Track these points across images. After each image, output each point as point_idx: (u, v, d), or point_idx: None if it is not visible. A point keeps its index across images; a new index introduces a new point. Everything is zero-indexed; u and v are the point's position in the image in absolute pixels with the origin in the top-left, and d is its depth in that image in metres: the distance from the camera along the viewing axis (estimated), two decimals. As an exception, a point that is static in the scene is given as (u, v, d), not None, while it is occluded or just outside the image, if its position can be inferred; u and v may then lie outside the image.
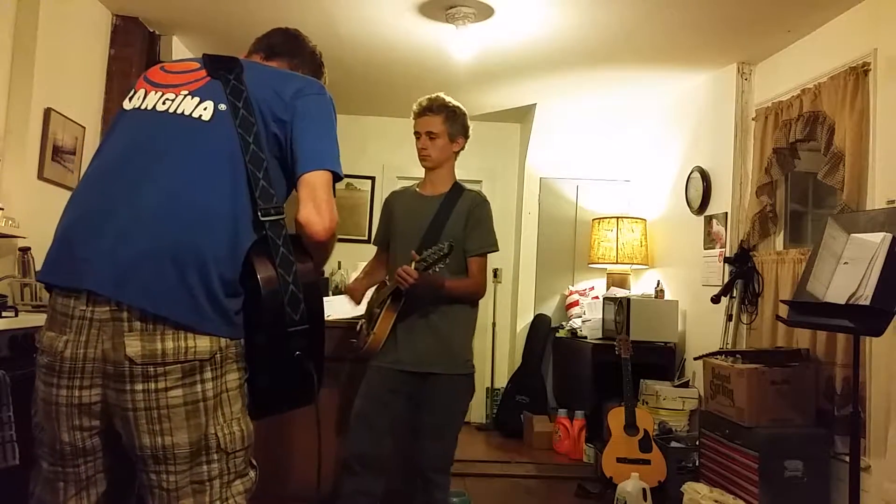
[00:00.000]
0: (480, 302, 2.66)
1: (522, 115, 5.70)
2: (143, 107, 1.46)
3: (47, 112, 3.26)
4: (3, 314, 2.34)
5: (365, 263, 3.47)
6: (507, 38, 4.00)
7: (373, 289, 2.77)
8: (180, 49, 4.24)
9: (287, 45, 1.75)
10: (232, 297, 1.34)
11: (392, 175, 5.80)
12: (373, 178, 5.88)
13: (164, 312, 1.28)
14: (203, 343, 1.30)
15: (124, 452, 1.35)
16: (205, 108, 1.42)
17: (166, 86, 1.48)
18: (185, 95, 1.44)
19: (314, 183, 1.41)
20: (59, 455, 1.34)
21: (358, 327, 2.71)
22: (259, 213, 1.36)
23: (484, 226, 2.59)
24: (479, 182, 5.83)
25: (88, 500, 1.36)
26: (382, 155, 5.83)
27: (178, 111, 1.43)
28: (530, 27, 3.85)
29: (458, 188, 2.63)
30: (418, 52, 4.30)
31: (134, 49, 3.86)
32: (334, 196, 1.44)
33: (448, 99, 2.61)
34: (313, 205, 1.39)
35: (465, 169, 5.84)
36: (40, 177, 3.23)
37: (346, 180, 5.83)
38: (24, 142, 3.15)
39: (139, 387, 1.27)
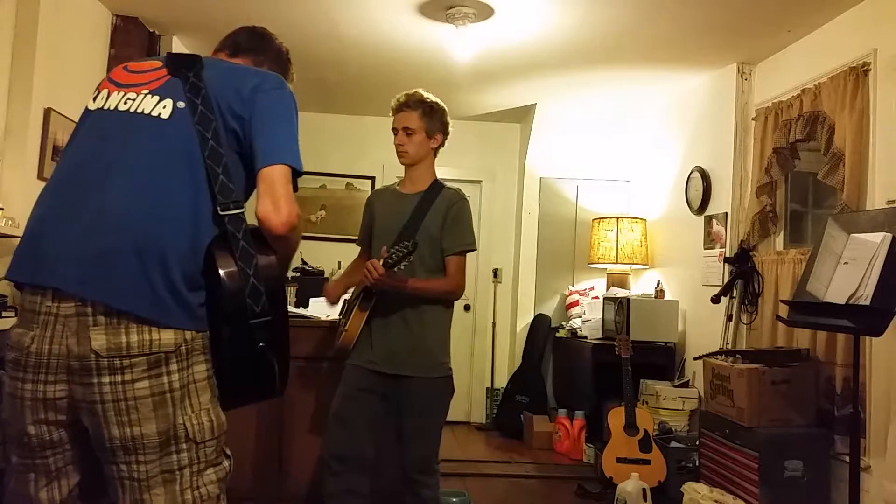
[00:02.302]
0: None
1: (522, 115, 5.70)
2: (105, 107, 1.49)
3: (47, 112, 3.26)
4: (3, 314, 2.35)
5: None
6: (507, 38, 4.00)
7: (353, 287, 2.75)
8: (180, 49, 4.24)
9: (252, 42, 1.78)
10: (194, 291, 1.37)
11: (392, 175, 5.77)
12: (373, 178, 5.88)
13: (127, 307, 1.31)
14: (167, 336, 1.33)
15: (92, 448, 1.37)
16: (164, 107, 1.45)
17: (128, 85, 1.51)
18: (146, 94, 1.48)
19: (272, 177, 1.43)
20: (27, 448, 1.37)
21: (339, 324, 2.70)
22: (218, 208, 1.39)
23: (461, 224, 2.51)
24: (478, 182, 5.83)
25: (60, 491, 1.39)
26: (382, 155, 5.80)
27: (139, 110, 1.46)
28: (530, 27, 3.85)
29: (437, 186, 2.57)
30: (418, 52, 4.30)
31: (134, 49, 3.86)
32: (296, 191, 1.46)
33: (426, 94, 2.56)
34: (270, 199, 1.41)
35: (465, 169, 5.91)
36: (40, 177, 3.23)
37: (346, 180, 5.84)
38: (24, 142, 3.16)
39: (106, 379, 1.30)
